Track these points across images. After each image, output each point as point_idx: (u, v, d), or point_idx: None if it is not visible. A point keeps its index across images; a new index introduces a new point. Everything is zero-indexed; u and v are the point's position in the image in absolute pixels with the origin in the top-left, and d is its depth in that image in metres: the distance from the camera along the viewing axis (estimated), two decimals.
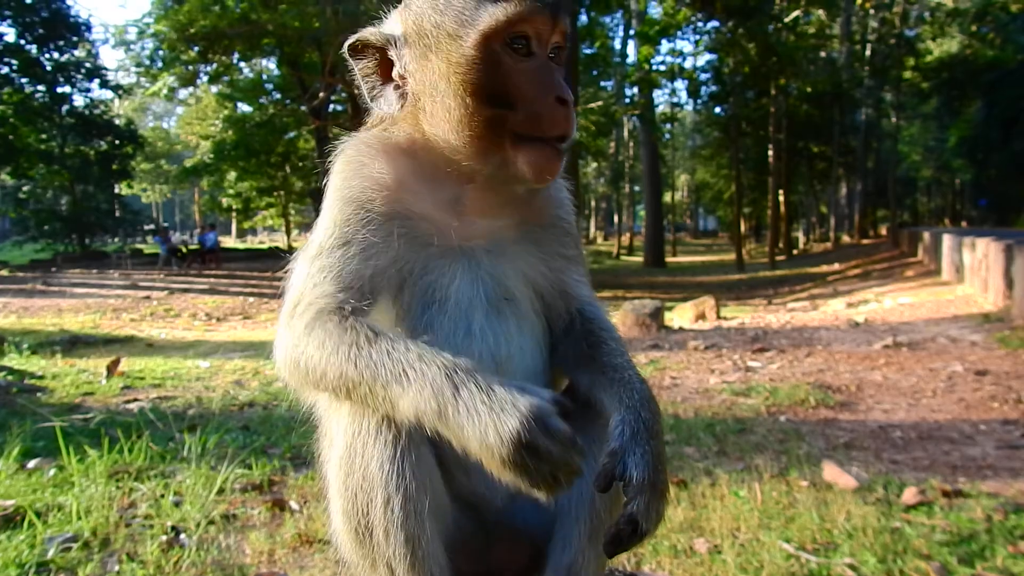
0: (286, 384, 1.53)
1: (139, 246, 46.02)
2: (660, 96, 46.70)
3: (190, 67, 25.19)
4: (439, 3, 1.49)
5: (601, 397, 1.57)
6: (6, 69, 36.02)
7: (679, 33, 34.48)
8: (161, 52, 24.90)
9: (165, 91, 25.95)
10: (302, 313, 1.46)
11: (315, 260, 1.51)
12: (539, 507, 1.63)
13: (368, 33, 1.58)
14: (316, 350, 1.41)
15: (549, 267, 1.65)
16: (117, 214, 43.95)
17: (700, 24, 32.99)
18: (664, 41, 36.41)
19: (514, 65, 1.45)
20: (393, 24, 1.58)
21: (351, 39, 1.58)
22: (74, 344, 10.54)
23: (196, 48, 23.58)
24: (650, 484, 1.42)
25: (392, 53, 1.56)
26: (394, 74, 1.56)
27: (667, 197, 54.49)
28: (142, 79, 29.83)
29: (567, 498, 1.57)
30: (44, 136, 38.58)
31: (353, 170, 1.57)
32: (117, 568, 2.64)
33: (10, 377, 6.51)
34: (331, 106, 33.71)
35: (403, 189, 1.55)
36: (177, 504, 3.21)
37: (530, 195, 1.62)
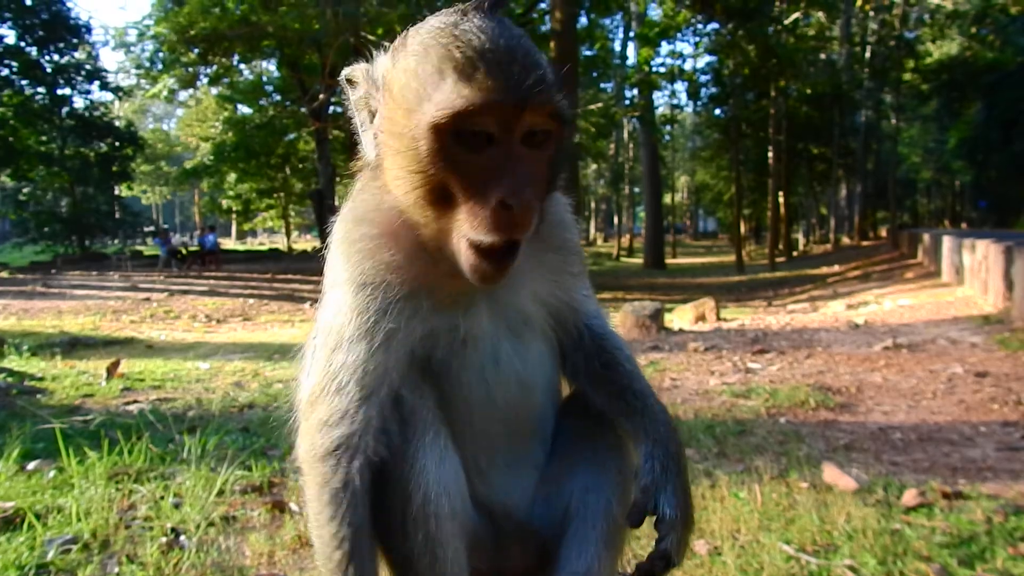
0: (303, 475, 1.55)
1: (139, 248, 46.10)
2: (660, 98, 46.82)
3: (190, 69, 25.22)
4: (408, 64, 1.34)
5: (624, 424, 1.63)
6: (6, 71, 36.03)
7: (679, 35, 34.52)
8: (161, 54, 24.92)
9: (165, 93, 25.98)
10: (322, 425, 1.47)
11: (336, 352, 1.46)
12: (553, 511, 1.66)
13: (358, 70, 1.47)
14: (318, 508, 1.48)
15: (559, 287, 1.64)
16: (117, 216, 43.98)
17: (700, 26, 33.02)
18: (664, 43, 36.49)
19: (467, 156, 1.29)
20: (381, 65, 1.44)
21: (344, 72, 1.48)
22: (74, 346, 10.54)
23: (196, 50, 23.60)
24: (681, 520, 1.50)
25: (373, 100, 1.44)
26: (375, 120, 1.44)
27: (667, 199, 54.53)
28: (142, 81, 29.86)
29: (583, 504, 1.61)
30: (44, 138, 38.60)
31: (360, 254, 1.47)
32: (117, 570, 2.64)
33: (10, 379, 6.51)
34: (331, 108, 33.71)
35: (414, 262, 1.45)
36: (177, 506, 3.21)
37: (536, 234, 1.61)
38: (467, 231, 1.30)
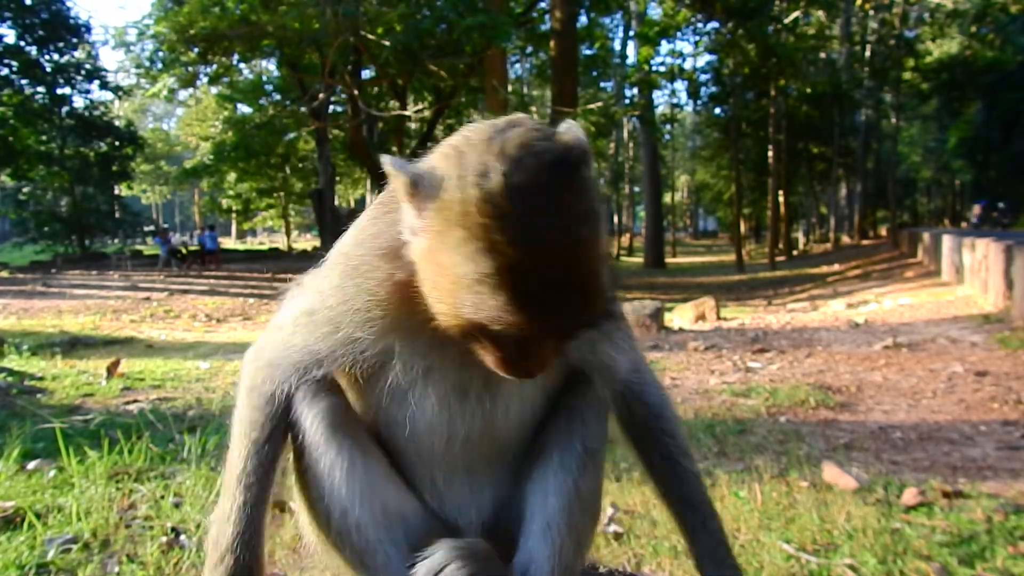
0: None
1: (139, 247, 46.03)
2: (660, 97, 46.77)
3: (190, 68, 25.18)
4: (456, 241, 1.17)
5: (678, 518, 1.70)
6: (6, 71, 35.99)
7: (679, 34, 34.47)
8: (161, 53, 24.87)
9: (165, 92, 25.93)
10: (273, 347, 1.56)
11: (311, 313, 1.51)
12: (515, 512, 1.63)
13: (396, 171, 1.26)
14: (240, 415, 1.60)
15: (577, 345, 1.52)
16: (117, 215, 43.94)
17: (700, 25, 32.98)
18: (664, 42, 36.41)
19: (496, 340, 1.25)
20: (440, 172, 1.23)
21: (384, 159, 1.29)
22: (74, 345, 10.54)
23: (196, 49, 23.56)
24: None
25: (424, 208, 1.24)
26: (407, 232, 1.31)
27: (667, 198, 54.52)
28: (142, 80, 29.79)
29: (543, 502, 1.57)
30: (44, 137, 38.57)
31: (358, 283, 1.43)
32: (117, 569, 2.64)
33: (10, 378, 6.50)
34: (331, 107, 33.71)
35: (411, 319, 1.39)
36: (177, 505, 3.21)
37: None
38: (485, 358, 1.32)
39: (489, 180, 1.15)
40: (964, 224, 41.87)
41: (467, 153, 1.22)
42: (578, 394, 1.61)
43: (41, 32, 36.81)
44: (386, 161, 1.28)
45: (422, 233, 1.25)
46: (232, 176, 42.09)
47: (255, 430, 1.55)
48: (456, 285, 1.19)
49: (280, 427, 1.56)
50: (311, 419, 1.55)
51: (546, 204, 1.15)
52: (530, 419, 1.61)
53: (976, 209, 34.26)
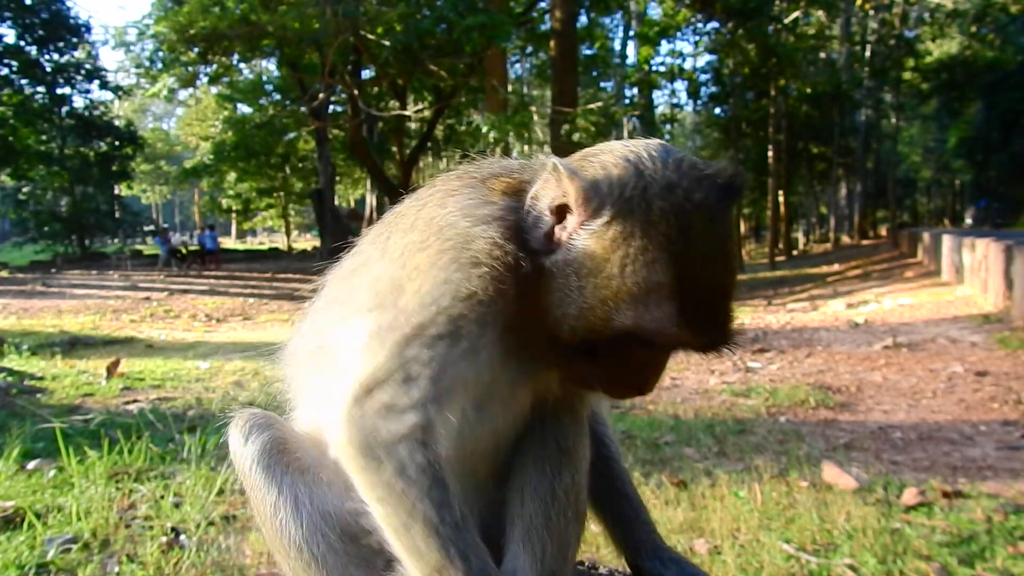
0: (351, 465, 1.40)
1: (139, 247, 46.05)
2: (660, 97, 46.77)
3: (190, 68, 25.17)
4: (630, 251, 1.24)
5: (613, 510, 1.72)
6: (6, 70, 36.03)
7: (679, 34, 34.49)
8: (161, 53, 24.87)
9: (165, 92, 25.92)
10: (387, 410, 1.34)
11: (411, 343, 1.33)
12: (499, 520, 1.61)
13: (572, 175, 1.29)
14: (389, 492, 1.34)
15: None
16: (117, 215, 43.98)
17: (700, 25, 32.97)
18: (664, 42, 36.46)
19: (631, 348, 1.28)
20: (605, 188, 1.28)
21: (555, 163, 1.30)
22: (74, 345, 10.53)
23: (196, 49, 23.56)
24: None
25: (570, 217, 1.30)
26: (557, 227, 1.32)
27: None
28: (142, 80, 29.79)
29: (521, 507, 1.54)
30: (44, 137, 38.60)
31: (471, 260, 1.33)
32: (117, 569, 2.64)
33: (10, 378, 6.50)
34: (331, 107, 33.70)
35: (519, 310, 1.35)
36: (177, 505, 3.21)
37: None
38: (596, 381, 1.35)
39: (676, 196, 1.25)
40: (955, 224, 41.96)
41: (646, 169, 1.29)
42: (547, 399, 1.58)
43: (41, 32, 36.83)
44: (556, 163, 1.30)
45: (586, 238, 1.28)
46: (232, 176, 42.09)
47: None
48: (622, 292, 1.24)
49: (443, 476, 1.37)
50: (247, 460, 1.52)
51: (720, 224, 1.27)
52: (519, 425, 1.58)
53: (971, 211, 34.63)
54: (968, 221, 34.68)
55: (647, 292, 1.24)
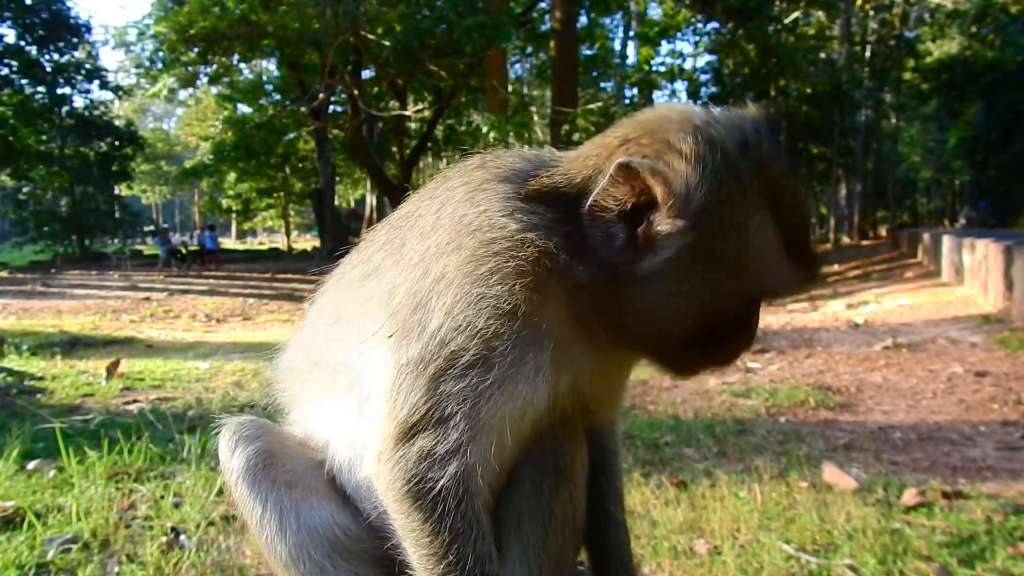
0: (394, 508, 1.36)
1: (139, 247, 46.09)
2: (660, 97, 46.72)
3: (190, 68, 25.19)
4: (740, 220, 1.20)
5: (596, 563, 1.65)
6: (6, 70, 36.07)
7: (679, 34, 34.56)
8: (161, 53, 24.89)
9: (165, 92, 25.96)
10: (428, 460, 1.28)
11: (444, 379, 1.25)
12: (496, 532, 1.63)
13: (653, 170, 1.19)
14: (432, 540, 1.31)
15: (609, 394, 1.60)
16: (117, 215, 44.02)
17: (700, 25, 33.02)
18: (664, 42, 36.53)
19: (743, 309, 1.29)
20: (685, 178, 1.19)
21: (627, 162, 1.19)
22: (74, 345, 10.53)
23: (196, 49, 23.58)
24: None
25: (658, 212, 1.20)
26: (639, 230, 1.22)
27: None
28: (142, 80, 29.84)
29: (517, 528, 1.52)
30: (44, 137, 38.64)
31: (517, 271, 1.23)
32: (117, 569, 2.64)
33: (10, 378, 6.50)
34: (331, 107, 33.71)
35: (559, 319, 1.28)
36: (177, 505, 3.21)
37: None
38: (705, 363, 1.36)
39: (752, 152, 1.21)
40: (944, 224, 42.02)
41: (713, 136, 1.22)
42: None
43: (41, 32, 36.86)
44: (630, 162, 1.18)
45: (685, 229, 1.19)
46: (232, 176, 42.12)
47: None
48: (743, 265, 1.21)
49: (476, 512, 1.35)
50: (233, 474, 1.52)
51: (787, 160, 1.27)
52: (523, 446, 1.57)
53: (963, 212, 34.92)
54: (961, 221, 34.84)
55: (766, 254, 1.21)
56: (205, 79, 28.50)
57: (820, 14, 33.61)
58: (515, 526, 1.49)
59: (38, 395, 6.05)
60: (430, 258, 1.28)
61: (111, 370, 7.05)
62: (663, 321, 1.25)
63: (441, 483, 1.27)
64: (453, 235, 1.27)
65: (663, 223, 1.19)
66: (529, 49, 33.88)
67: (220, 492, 3.37)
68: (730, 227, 1.20)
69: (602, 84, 44.61)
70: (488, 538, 1.34)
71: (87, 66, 39.40)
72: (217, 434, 1.63)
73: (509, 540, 1.49)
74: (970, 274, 13.36)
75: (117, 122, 43.47)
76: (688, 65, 40.41)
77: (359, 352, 1.41)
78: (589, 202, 1.23)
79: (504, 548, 1.48)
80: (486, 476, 1.33)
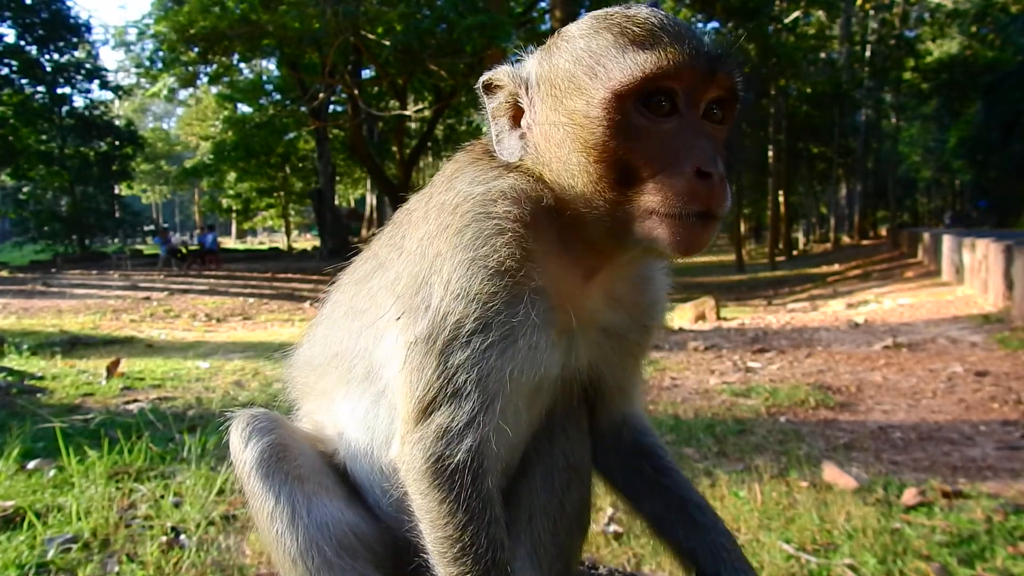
0: (413, 488, 1.39)
1: (139, 247, 46.08)
2: None
3: (190, 68, 25.17)
4: (575, 49, 1.30)
5: (689, 540, 1.57)
6: (6, 70, 36.05)
7: None
8: (161, 53, 24.87)
9: (165, 92, 25.95)
10: (443, 433, 1.32)
11: (451, 350, 1.29)
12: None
13: (501, 72, 1.39)
14: (449, 520, 1.34)
15: (623, 365, 1.54)
16: (117, 215, 44.01)
17: (700, 25, 33.00)
18: None
19: (650, 128, 1.22)
20: (530, 65, 1.38)
21: (484, 77, 1.39)
22: (74, 345, 10.53)
23: (196, 49, 23.57)
24: None
25: (523, 99, 1.36)
26: (523, 122, 1.37)
27: None
28: (142, 80, 29.83)
29: (529, 524, 1.53)
30: (44, 137, 38.62)
31: (497, 228, 1.30)
32: (117, 569, 2.64)
33: (10, 378, 6.50)
34: (331, 107, 33.71)
35: (547, 259, 1.33)
36: (177, 505, 3.21)
37: (644, 288, 1.51)
38: (659, 205, 1.21)
39: (584, 24, 1.35)
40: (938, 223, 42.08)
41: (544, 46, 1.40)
42: (557, 407, 1.54)
43: (41, 32, 36.85)
44: (487, 75, 1.39)
45: (537, 112, 1.35)
46: (232, 176, 42.13)
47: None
48: (585, 88, 1.26)
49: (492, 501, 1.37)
50: (246, 466, 1.49)
51: (648, 8, 1.31)
52: (530, 436, 1.56)
53: (948, 215, 35.28)
54: (947, 222, 35.20)
55: (606, 60, 1.25)
56: (205, 79, 28.49)
57: (820, 14, 33.62)
58: (526, 521, 1.51)
59: (38, 395, 6.05)
60: (425, 244, 1.36)
61: (111, 370, 7.05)
62: (590, 180, 1.27)
63: (458, 458, 1.31)
64: (440, 218, 1.36)
65: (524, 106, 1.36)
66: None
67: (220, 492, 3.37)
68: (576, 57, 1.30)
69: None
70: (501, 524, 1.35)
71: (87, 66, 39.40)
72: (220, 431, 1.62)
73: (519, 535, 1.50)
74: (970, 274, 13.36)
75: (117, 122, 43.46)
76: None
77: (373, 339, 1.46)
78: (493, 132, 1.40)
79: (515, 542, 1.49)
80: (500, 450, 1.36)
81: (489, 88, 1.40)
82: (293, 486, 1.49)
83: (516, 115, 1.38)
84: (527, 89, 1.36)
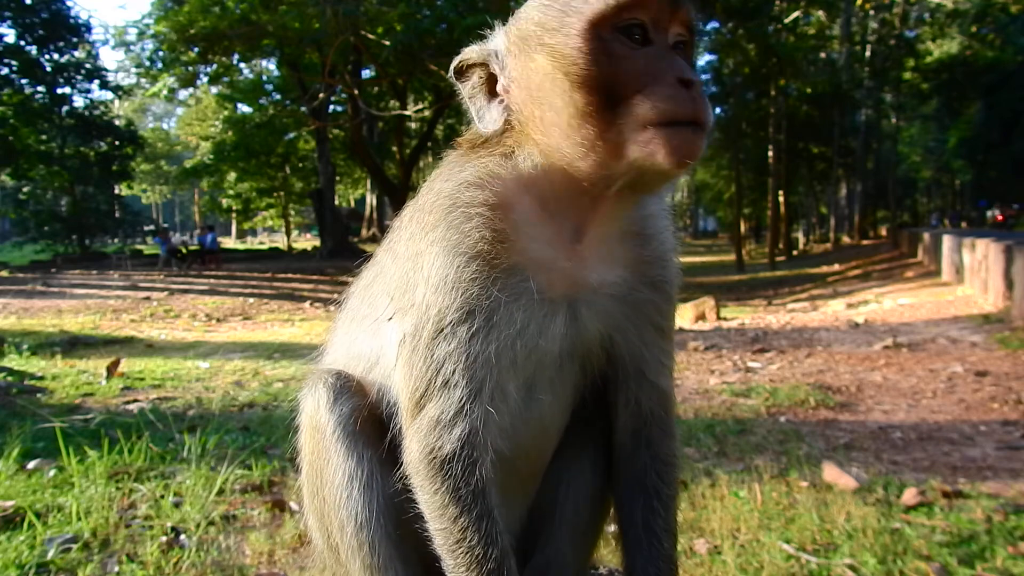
0: (414, 480, 1.42)
1: (139, 247, 46.04)
2: None
3: (190, 68, 25.20)
4: (541, 1, 1.37)
5: (631, 553, 1.56)
6: (6, 70, 36.01)
7: None
8: (161, 53, 24.90)
9: (165, 92, 25.98)
10: (435, 425, 1.36)
11: (436, 342, 1.33)
12: (533, 522, 1.66)
13: (469, 51, 1.44)
14: (443, 512, 1.38)
15: (640, 337, 1.50)
16: (117, 215, 43.95)
17: (700, 25, 33.01)
18: None
19: (627, 53, 1.28)
20: (496, 39, 1.44)
21: (454, 62, 1.45)
22: (74, 345, 10.53)
23: (196, 49, 23.59)
24: None
25: (495, 66, 1.41)
26: (498, 88, 1.42)
27: (667, 198, 54.40)
28: (142, 80, 29.87)
29: (575, 509, 1.62)
30: (44, 137, 38.58)
31: (464, 215, 1.35)
32: (117, 569, 2.64)
33: (10, 378, 6.51)
34: (331, 107, 33.72)
35: (522, 233, 1.37)
36: (177, 505, 3.21)
37: (644, 244, 1.50)
38: (649, 112, 1.24)
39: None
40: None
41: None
42: (587, 403, 1.58)
43: (41, 32, 36.82)
44: (462, 55, 1.44)
45: (514, 71, 1.38)
46: (232, 176, 42.15)
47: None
48: (557, 28, 1.30)
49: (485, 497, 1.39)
50: (331, 424, 1.50)
51: None
52: (559, 432, 1.60)
53: (934, 215, 35.43)
54: (932, 223, 35.39)
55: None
56: (205, 79, 28.52)
57: (820, 14, 33.61)
58: (573, 508, 1.60)
59: (38, 395, 6.05)
60: (410, 245, 1.42)
61: (111, 370, 7.05)
62: (576, 112, 1.29)
63: (448, 448, 1.35)
64: (419, 219, 1.43)
65: (496, 72, 1.40)
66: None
67: (220, 492, 3.38)
68: (536, 10, 1.36)
69: None
70: (495, 519, 1.38)
71: (87, 66, 39.35)
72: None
73: (563, 519, 1.59)
74: (970, 274, 13.36)
75: (117, 122, 43.39)
76: None
77: (378, 341, 1.53)
78: (473, 113, 1.45)
79: (557, 525, 1.59)
80: (492, 439, 1.38)
81: (461, 72, 1.45)
82: (372, 451, 1.51)
83: (492, 88, 1.43)
84: (497, 55, 1.41)
